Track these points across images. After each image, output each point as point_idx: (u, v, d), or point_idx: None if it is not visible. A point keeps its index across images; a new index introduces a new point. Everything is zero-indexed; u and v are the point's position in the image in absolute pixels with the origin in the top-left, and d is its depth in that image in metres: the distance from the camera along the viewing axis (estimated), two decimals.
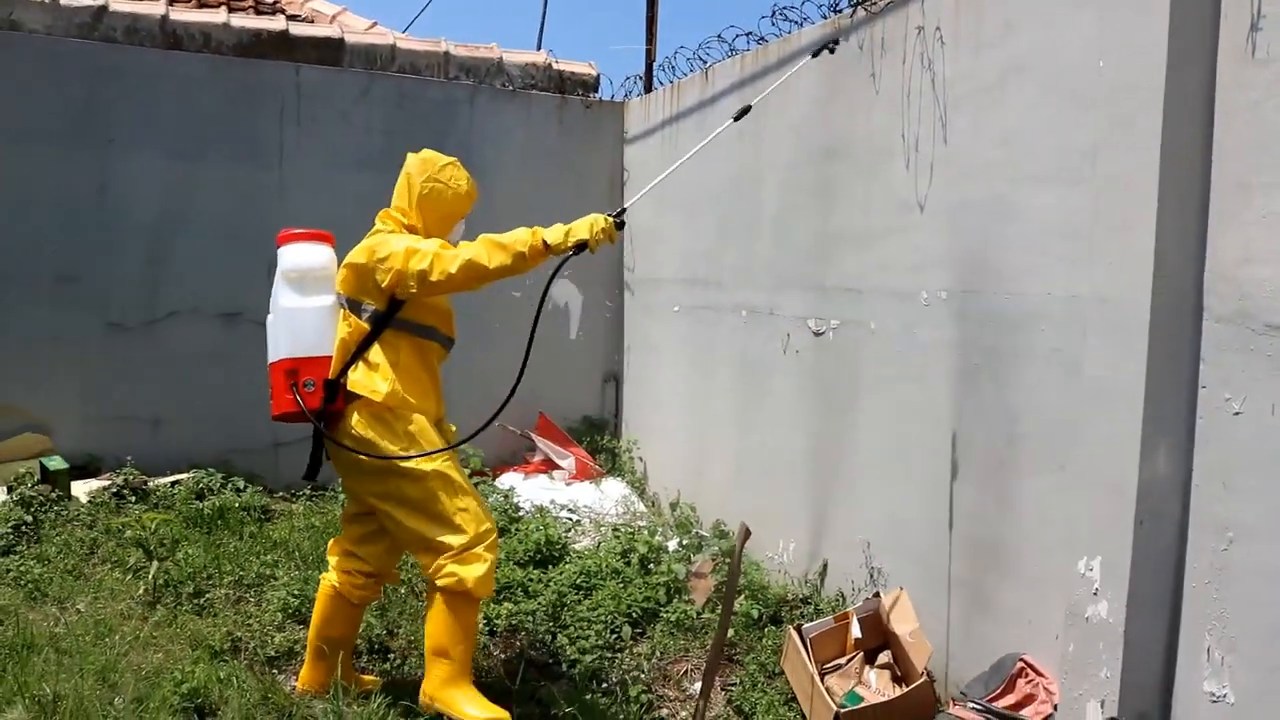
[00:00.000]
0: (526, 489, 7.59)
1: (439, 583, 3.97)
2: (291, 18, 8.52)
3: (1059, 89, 3.90)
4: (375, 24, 9.01)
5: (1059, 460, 3.86)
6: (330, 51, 7.91)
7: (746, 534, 4.09)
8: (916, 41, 4.79)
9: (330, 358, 4.06)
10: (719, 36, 6.84)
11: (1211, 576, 3.34)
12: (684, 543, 6.45)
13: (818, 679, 4.30)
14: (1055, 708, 3.78)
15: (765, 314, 6.12)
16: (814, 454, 5.60)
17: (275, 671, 4.62)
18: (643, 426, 8.30)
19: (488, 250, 3.81)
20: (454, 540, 3.95)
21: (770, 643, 5.00)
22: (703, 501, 7.01)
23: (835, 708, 4.13)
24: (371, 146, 7.79)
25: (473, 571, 3.93)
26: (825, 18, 5.66)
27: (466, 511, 3.98)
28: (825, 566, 5.48)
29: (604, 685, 4.66)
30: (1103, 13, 3.60)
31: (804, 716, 4.38)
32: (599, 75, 8.76)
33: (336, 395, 4.02)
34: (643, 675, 4.79)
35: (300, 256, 4.13)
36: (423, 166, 4.16)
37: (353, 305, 4.08)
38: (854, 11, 5.29)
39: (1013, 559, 4.15)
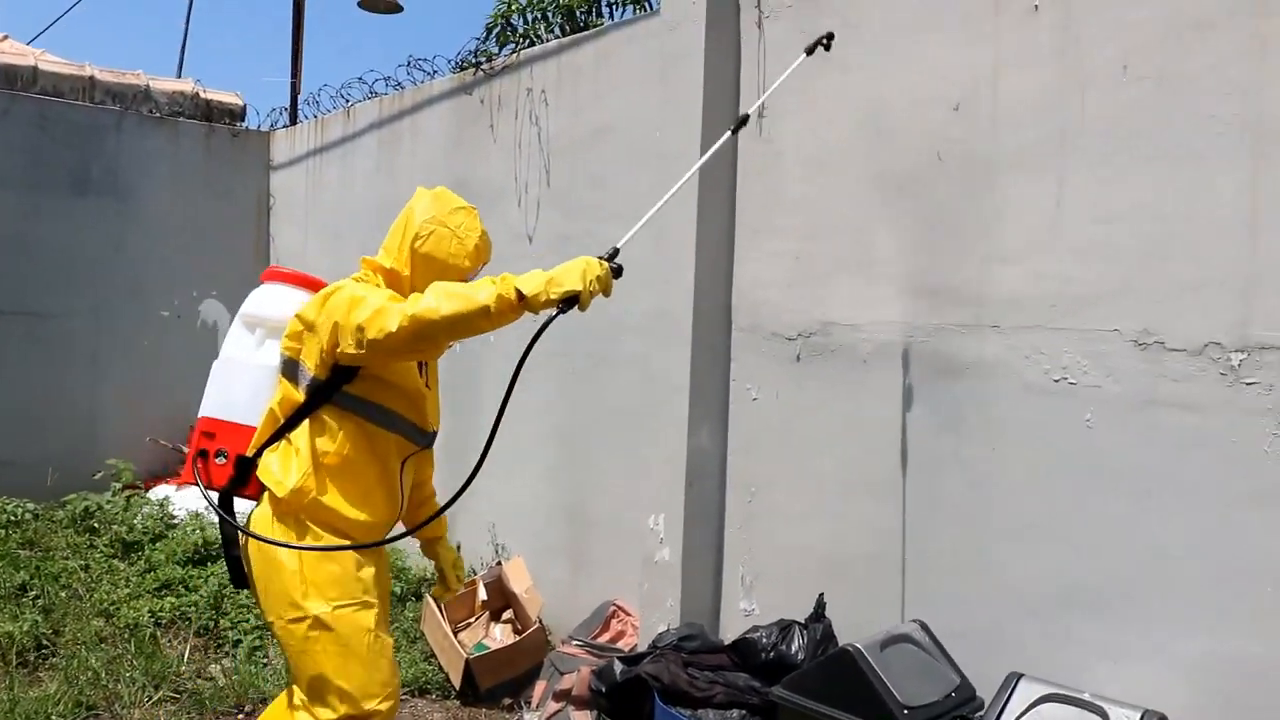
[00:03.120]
0: (180, 499, 7.89)
1: None
2: None
3: (633, 148, 4.96)
4: (7, 37, 9.00)
5: (635, 441, 4.89)
6: None
7: None
8: (527, 101, 5.76)
9: (253, 429, 3.18)
10: (360, 79, 7.59)
11: (742, 522, 4.46)
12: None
13: (451, 635, 5.11)
14: (639, 638, 4.79)
15: None
16: (446, 452, 6.41)
17: None
18: None
19: (439, 299, 2.73)
20: (322, 715, 3.00)
21: (411, 614, 5.77)
22: None
23: (465, 656, 4.96)
24: (11, 165, 7.88)
25: None
26: (453, 72, 6.53)
27: (349, 686, 2.99)
28: (459, 548, 6.31)
29: (265, 660, 5.25)
30: (661, 92, 4.67)
31: (442, 668, 5.17)
32: (245, 105, 9.21)
33: (248, 477, 3.09)
34: None
35: (265, 301, 3.74)
36: (431, 204, 3.16)
37: (289, 368, 3.08)
38: (475, 71, 6.19)
39: (602, 523, 5.17)
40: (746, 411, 4.43)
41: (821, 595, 3.91)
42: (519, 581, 5.34)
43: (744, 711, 3.67)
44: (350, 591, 3.03)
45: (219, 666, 5.10)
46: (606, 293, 2.80)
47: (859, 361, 3.97)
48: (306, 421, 3.02)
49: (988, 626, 3.56)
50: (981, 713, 3.25)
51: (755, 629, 3.92)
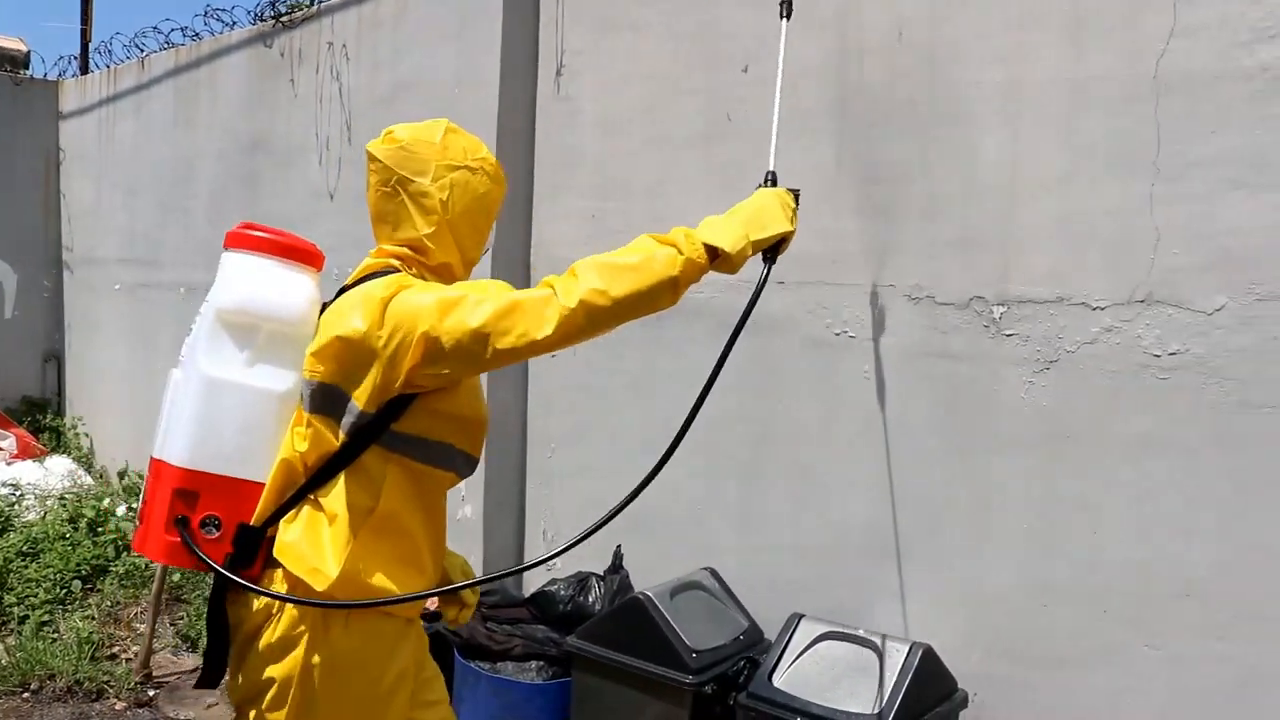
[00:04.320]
0: None
1: None
2: None
3: (433, 106, 4.89)
4: None
5: None
6: None
7: None
8: (328, 55, 5.62)
9: (260, 487, 2.25)
10: (155, 28, 7.26)
11: (543, 479, 4.51)
12: (133, 507, 6.85)
13: None
14: None
15: (202, 290, 6.59)
16: None
17: None
18: (87, 404, 8.46)
19: (604, 278, 2.05)
20: None
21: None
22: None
23: None
24: None
25: None
26: (252, 23, 6.32)
27: None
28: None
29: (55, 635, 5.05)
30: (458, 48, 4.63)
31: None
32: (29, 52, 8.72)
33: (254, 554, 2.24)
34: (94, 621, 5.23)
35: (257, 283, 2.32)
36: (417, 153, 2.28)
37: (326, 401, 2.21)
38: (274, 22, 6.00)
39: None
40: (546, 368, 4.46)
41: (619, 548, 3.99)
42: None
43: (542, 662, 3.73)
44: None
45: (2, 645, 4.89)
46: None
47: (653, 318, 4.02)
48: (343, 475, 2.20)
49: (773, 572, 3.70)
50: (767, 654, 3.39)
51: (553, 582, 3.98)
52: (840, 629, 3.22)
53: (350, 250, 5.30)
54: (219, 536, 2.20)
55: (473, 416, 2.35)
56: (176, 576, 5.58)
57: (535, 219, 4.47)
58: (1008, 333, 3.19)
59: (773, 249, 2.24)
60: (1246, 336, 2.80)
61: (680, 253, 2.08)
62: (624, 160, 4.16)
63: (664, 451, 2.13)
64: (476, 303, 2.06)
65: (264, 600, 2.21)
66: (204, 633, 4.84)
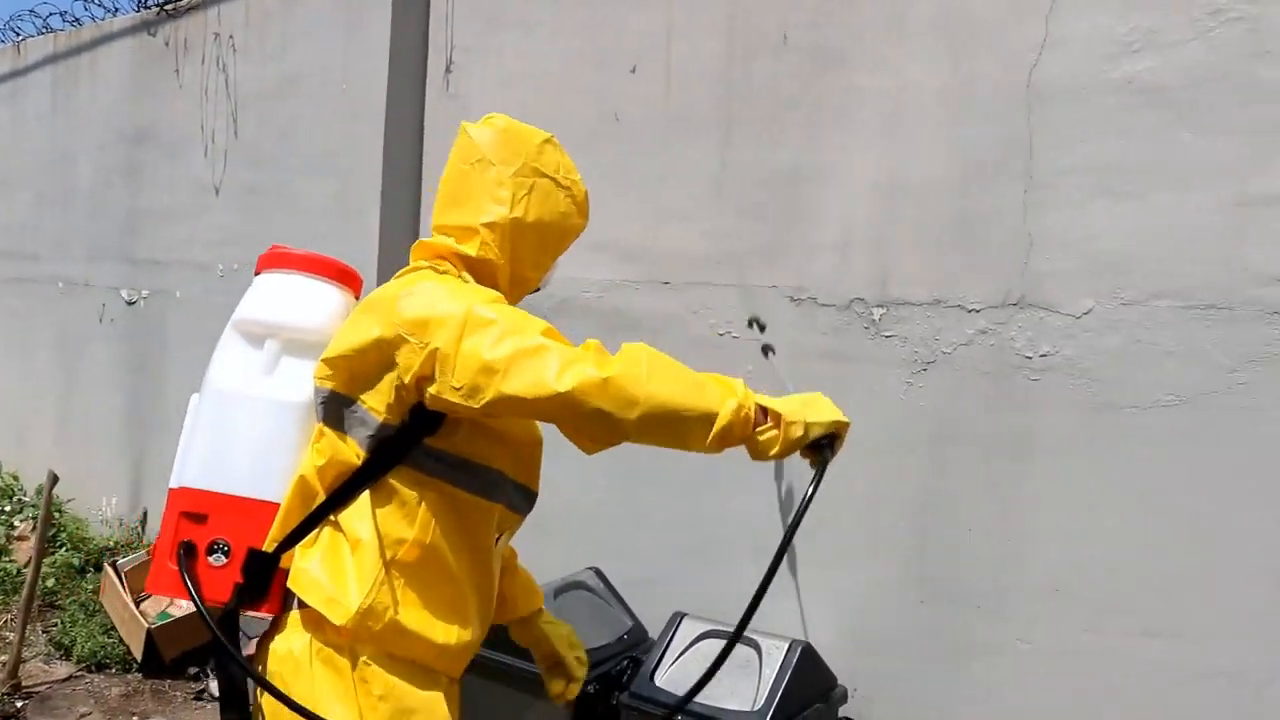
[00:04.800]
0: None
1: None
2: None
3: (321, 100, 4.82)
4: None
5: None
6: None
7: (54, 479, 4.57)
8: (214, 45, 5.49)
9: (275, 508, 2.02)
10: (32, 11, 7.01)
11: None
12: (6, 508, 6.61)
13: (132, 605, 4.88)
14: None
15: (81, 285, 6.48)
16: (131, 414, 6.11)
17: None
18: None
19: (648, 368, 1.80)
20: None
21: (91, 586, 5.46)
22: (27, 469, 7.16)
23: (146, 625, 4.74)
24: None
25: None
26: (136, 10, 6.14)
27: None
28: (146, 514, 6.02)
29: None
30: (347, 42, 4.56)
31: (123, 640, 4.93)
32: None
33: (266, 585, 1.98)
34: None
35: (275, 293, 2.16)
36: (509, 144, 2.08)
37: (333, 410, 1.99)
38: (159, 10, 5.85)
39: None
40: None
41: None
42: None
43: None
44: None
45: None
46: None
47: (540, 317, 4.02)
48: (366, 494, 1.94)
49: (657, 571, 3.71)
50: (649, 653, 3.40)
51: None
52: (721, 627, 3.23)
53: (237, 246, 5.24)
54: (227, 564, 1.96)
55: (525, 438, 2.10)
56: (50, 582, 5.42)
57: (423, 218, 4.42)
58: (887, 334, 3.25)
59: (829, 440, 1.88)
60: (1112, 339, 2.88)
61: (734, 394, 1.79)
62: None
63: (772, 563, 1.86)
64: (503, 333, 1.77)
65: (286, 638, 1.95)
66: (78, 640, 4.71)
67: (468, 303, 1.82)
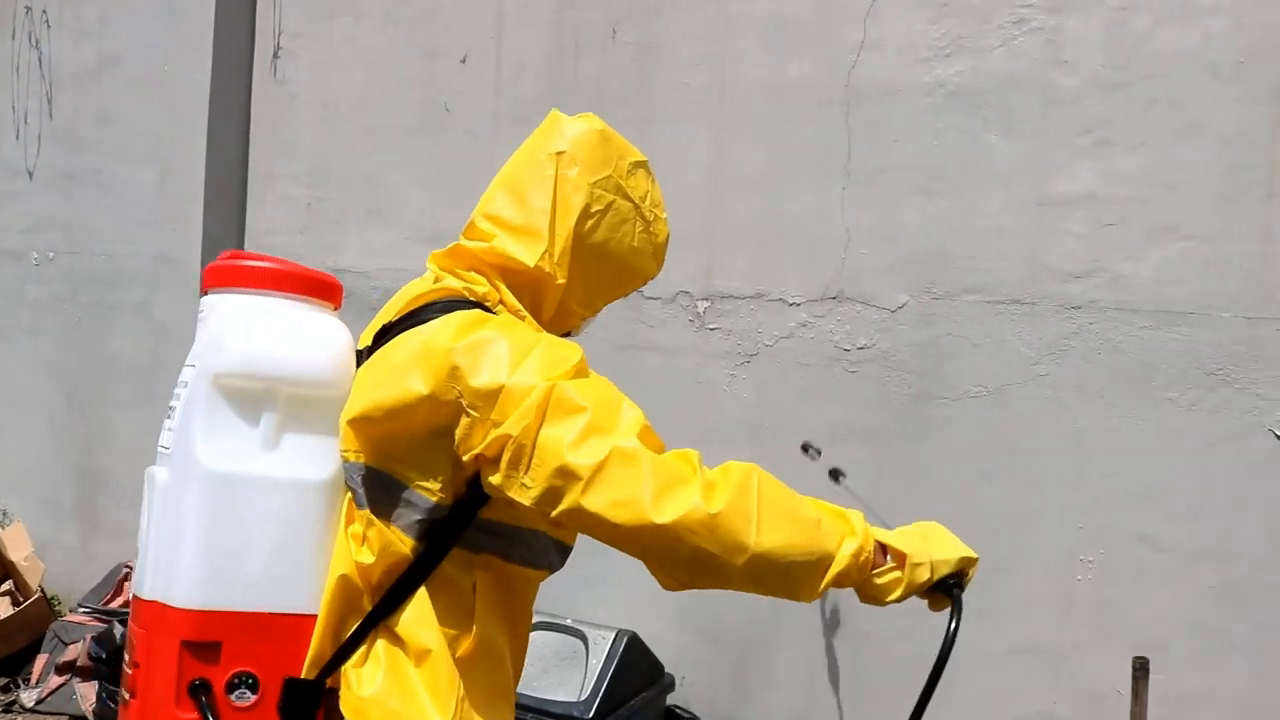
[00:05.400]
0: None
1: None
2: None
3: (143, 81, 4.64)
4: None
5: (149, 394, 4.62)
6: None
7: None
8: (26, 20, 5.23)
9: (310, 620, 1.58)
10: None
11: None
12: None
13: None
14: None
15: None
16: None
17: None
18: None
19: (760, 503, 1.46)
20: None
21: None
22: None
23: None
24: None
25: None
26: None
27: None
28: None
29: None
30: (170, 22, 4.40)
31: None
32: None
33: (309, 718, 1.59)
34: None
35: (261, 331, 1.62)
36: (598, 149, 1.73)
37: (380, 492, 1.56)
38: None
39: (117, 482, 4.85)
40: None
41: None
42: (18, 549, 4.92)
43: None
44: None
45: None
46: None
47: (368, 309, 3.93)
48: (423, 591, 1.54)
49: None
50: None
51: None
52: (548, 619, 3.25)
53: (51, 232, 5.01)
54: (256, 701, 1.53)
55: None
56: None
57: (249, 205, 4.30)
58: (711, 327, 3.30)
59: (955, 578, 1.60)
60: (925, 332, 2.99)
61: (853, 533, 1.50)
62: (342, 148, 4.06)
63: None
64: (590, 428, 1.40)
65: None
66: None
67: (549, 375, 1.44)
